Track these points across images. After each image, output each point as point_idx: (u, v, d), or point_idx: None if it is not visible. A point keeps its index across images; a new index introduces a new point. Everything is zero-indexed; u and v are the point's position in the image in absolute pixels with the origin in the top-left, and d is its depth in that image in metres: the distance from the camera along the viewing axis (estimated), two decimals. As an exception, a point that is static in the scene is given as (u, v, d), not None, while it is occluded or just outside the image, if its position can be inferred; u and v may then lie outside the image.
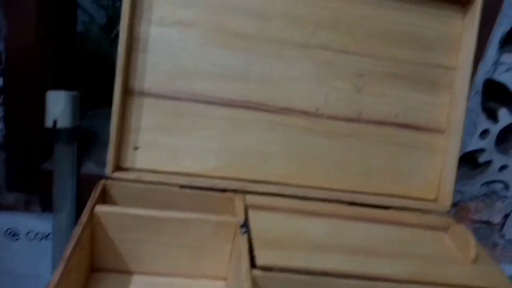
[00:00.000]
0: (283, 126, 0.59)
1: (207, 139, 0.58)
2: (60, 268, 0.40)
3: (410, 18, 0.61)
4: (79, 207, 0.69)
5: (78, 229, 0.45)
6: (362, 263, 0.50)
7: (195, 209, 0.54)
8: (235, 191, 0.57)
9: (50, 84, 0.71)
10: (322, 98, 0.60)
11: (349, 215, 0.58)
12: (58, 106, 0.64)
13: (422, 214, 0.60)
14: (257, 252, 0.47)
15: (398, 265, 0.51)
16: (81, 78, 0.96)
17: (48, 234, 0.81)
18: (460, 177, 0.85)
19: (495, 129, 0.82)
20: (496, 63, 0.77)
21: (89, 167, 0.75)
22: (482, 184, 0.87)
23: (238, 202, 0.55)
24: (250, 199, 0.56)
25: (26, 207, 0.80)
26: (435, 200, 0.63)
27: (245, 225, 0.50)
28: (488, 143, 0.83)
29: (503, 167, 0.86)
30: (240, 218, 0.51)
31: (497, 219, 0.90)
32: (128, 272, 0.53)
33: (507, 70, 0.77)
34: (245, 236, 0.49)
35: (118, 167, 0.56)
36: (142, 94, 0.56)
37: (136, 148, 0.57)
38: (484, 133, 0.82)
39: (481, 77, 0.77)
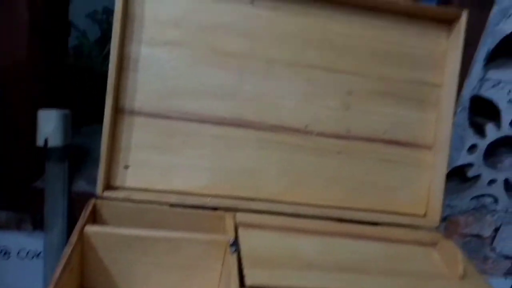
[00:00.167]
0: (273, 144, 0.60)
1: (198, 158, 0.58)
2: (49, 290, 0.40)
3: (396, 37, 0.62)
4: (70, 226, 0.69)
5: (67, 250, 0.45)
6: (352, 281, 0.50)
7: (186, 228, 0.54)
8: (226, 209, 0.57)
9: (42, 102, 0.71)
10: (312, 116, 0.61)
11: (338, 232, 0.58)
12: (49, 125, 0.64)
13: (411, 230, 0.61)
14: (246, 272, 0.47)
15: (387, 282, 0.51)
16: (74, 94, 0.97)
17: (40, 253, 0.80)
18: (450, 191, 0.86)
19: (482, 144, 0.83)
20: (482, 80, 0.78)
21: (81, 185, 0.75)
22: (472, 198, 0.88)
23: (229, 220, 0.55)
24: (241, 217, 0.56)
25: (17, 226, 0.79)
26: (424, 215, 0.63)
27: (235, 243, 0.51)
28: (476, 157, 0.84)
29: (491, 181, 0.87)
30: (230, 237, 0.51)
31: (487, 232, 0.91)
32: (119, 292, 0.53)
33: (493, 86, 0.79)
34: (235, 255, 0.49)
35: (108, 186, 0.56)
36: (133, 113, 0.57)
37: (126, 167, 0.57)
38: (472, 148, 0.83)
39: (467, 93, 0.79)
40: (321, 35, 0.60)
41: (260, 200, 0.59)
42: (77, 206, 0.61)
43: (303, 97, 0.61)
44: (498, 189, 0.87)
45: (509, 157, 0.87)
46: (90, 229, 0.49)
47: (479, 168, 0.85)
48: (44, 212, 0.68)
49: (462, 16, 0.60)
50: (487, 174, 0.86)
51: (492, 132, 0.82)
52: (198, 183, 0.58)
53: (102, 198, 0.55)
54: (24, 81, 0.70)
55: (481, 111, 0.83)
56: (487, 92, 0.80)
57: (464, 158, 0.84)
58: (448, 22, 0.62)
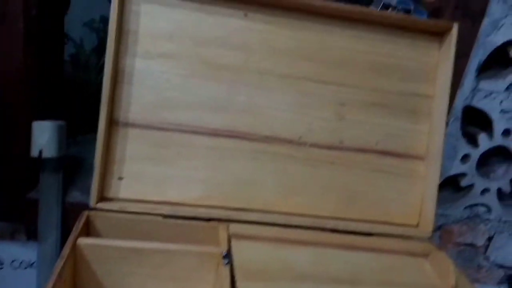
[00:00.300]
0: (267, 155, 0.60)
1: (192, 169, 0.59)
2: (41, 303, 0.40)
3: (388, 49, 0.63)
4: (64, 236, 0.69)
5: (60, 262, 0.45)
6: (344, 292, 0.50)
7: (179, 239, 0.54)
8: (219, 220, 0.57)
9: (37, 112, 0.71)
10: (305, 127, 0.61)
11: (331, 243, 0.59)
12: (43, 136, 0.64)
13: (403, 240, 0.61)
14: (239, 284, 0.47)
15: (379, 293, 0.51)
16: (70, 103, 0.97)
17: (33, 263, 0.80)
18: (443, 201, 0.87)
19: (475, 153, 0.84)
20: (474, 90, 0.79)
21: (75, 196, 0.75)
22: (465, 208, 0.88)
23: (222, 232, 0.55)
24: (234, 228, 0.56)
25: (11, 236, 0.79)
26: (417, 226, 0.64)
27: (228, 256, 0.51)
28: (469, 167, 0.85)
29: (485, 191, 0.87)
30: (223, 249, 0.52)
31: (480, 241, 0.92)
32: (112, 304, 0.53)
33: (485, 96, 0.80)
34: (228, 267, 0.49)
35: (102, 198, 0.56)
36: (127, 124, 0.57)
37: (120, 178, 0.57)
38: (465, 157, 0.84)
39: (460, 103, 0.80)
40: (314, 48, 0.61)
41: (254, 210, 0.59)
42: (71, 216, 0.61)
43: (296, 109, 0.61)
44: (491, 199, 0.88)
45: (501, 167, 0.87)
46: (83, 241, 0.49)
47: (472, 177, 0.86)
48: (38, 222, 0.68)
49: (453, 28, 0.61)
50: (480, 183, 0.87)
51: (484, 142, 0.83)
52: (192, 194, 0.58)
53: (95, 209, 0.55)
54: (19, 90, 0.70)
55: (473, 121, 0.84)
56: (479, 103, 0.80)
57: (457, 168, 0.85)
58: (440, 34, 0.63)
